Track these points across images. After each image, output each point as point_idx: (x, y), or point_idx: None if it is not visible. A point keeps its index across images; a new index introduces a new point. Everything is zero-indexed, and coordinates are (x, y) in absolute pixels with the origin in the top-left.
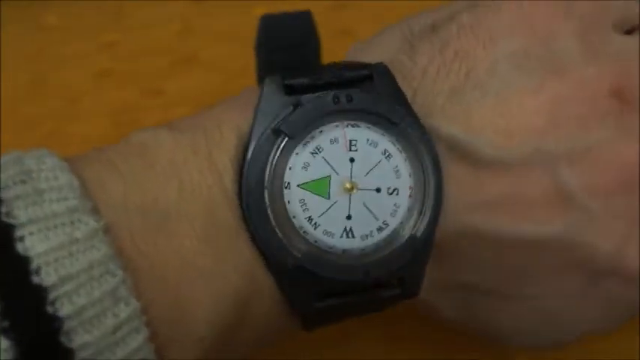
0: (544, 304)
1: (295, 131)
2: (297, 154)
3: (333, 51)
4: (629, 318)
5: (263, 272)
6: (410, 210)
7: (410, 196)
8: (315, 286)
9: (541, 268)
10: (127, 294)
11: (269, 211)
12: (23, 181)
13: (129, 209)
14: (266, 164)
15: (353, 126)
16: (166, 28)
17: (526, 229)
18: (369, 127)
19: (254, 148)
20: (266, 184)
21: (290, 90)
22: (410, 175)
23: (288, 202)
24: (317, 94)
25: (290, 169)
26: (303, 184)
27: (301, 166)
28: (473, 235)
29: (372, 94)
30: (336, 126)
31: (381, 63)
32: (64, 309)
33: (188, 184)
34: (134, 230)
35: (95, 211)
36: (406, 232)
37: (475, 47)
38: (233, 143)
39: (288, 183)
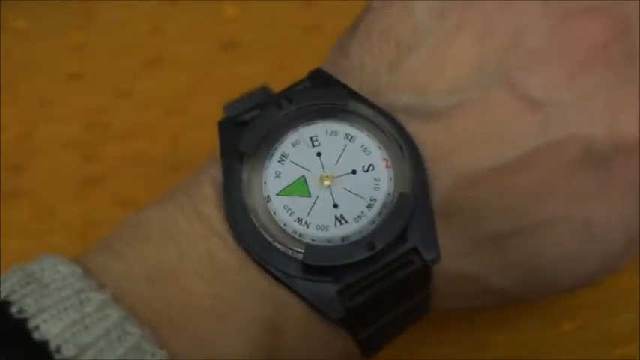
0: (572, 219)
1: (252, 146)
2: (266, 168)
3: (304, 45)
4: None
5: (284, 294)
6: (392, 179)
7: (387, 166)
8: (332, 283)
9: (547, 182)
10: (151, 346)
11: (262, 231)
12: (28, 282)
13: (134, 280)
14: (241, 191)
15: (308, 125)
16: (135, 28)
17: (512, 150)
18: (323, 120)
19: (227, 182)
20: (249, 207)
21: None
22: (380, 148)
23: (274, 213)
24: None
25: (265, 183)
26: (281, 191)
27: (273, 176)
28: (467, 182)
29: (310, 89)
30: (294, 130)
31: (318, 68)
32: None
33: (185, 243)
34: (143, 296)
35: (101, 287)
36: (395, 197)
37: (393, 20)
38: (212, 192)
39: (268, 196)
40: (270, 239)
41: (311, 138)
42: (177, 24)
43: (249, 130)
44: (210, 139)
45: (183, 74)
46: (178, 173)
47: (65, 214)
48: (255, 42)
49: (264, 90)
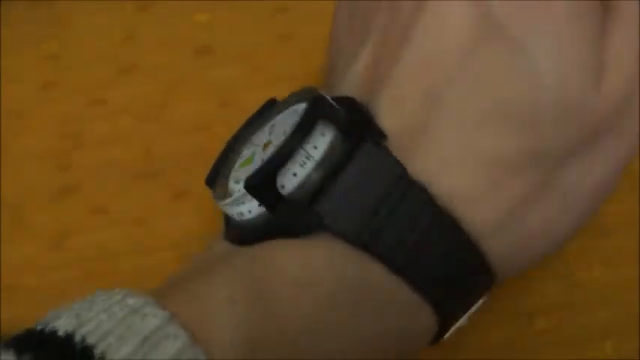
0: None
1: None
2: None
3: (279, 49)
4: None
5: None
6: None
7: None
8: None
9: None
10: None
11: None
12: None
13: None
14: None
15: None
16: (109, 36)
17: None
18: None
19: None
20: None
21: None
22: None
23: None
24: None
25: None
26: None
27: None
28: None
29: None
30: None
31: None
32: None
33: None
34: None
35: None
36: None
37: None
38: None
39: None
40: None
41: None
42: (149, 31)
43: None
44: (184, 146)
45: (157, 81)
46: (153, 181)
47: (40, 223)
48: (228, 47)
49: None
